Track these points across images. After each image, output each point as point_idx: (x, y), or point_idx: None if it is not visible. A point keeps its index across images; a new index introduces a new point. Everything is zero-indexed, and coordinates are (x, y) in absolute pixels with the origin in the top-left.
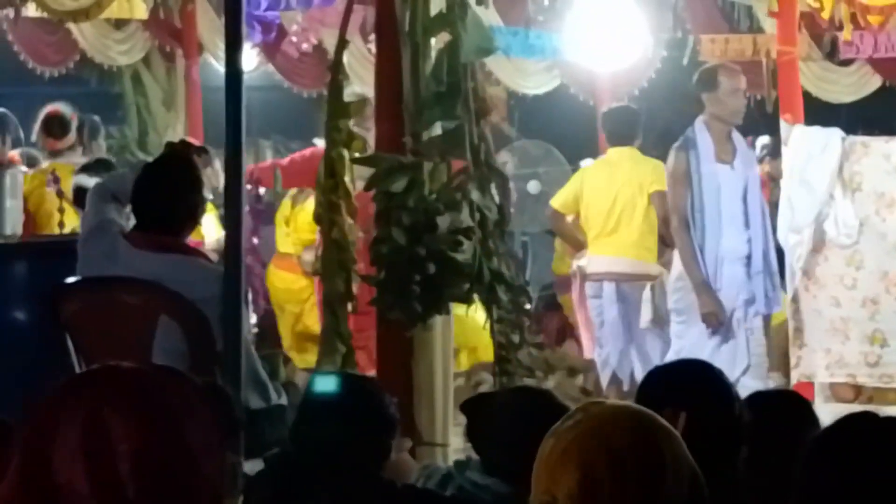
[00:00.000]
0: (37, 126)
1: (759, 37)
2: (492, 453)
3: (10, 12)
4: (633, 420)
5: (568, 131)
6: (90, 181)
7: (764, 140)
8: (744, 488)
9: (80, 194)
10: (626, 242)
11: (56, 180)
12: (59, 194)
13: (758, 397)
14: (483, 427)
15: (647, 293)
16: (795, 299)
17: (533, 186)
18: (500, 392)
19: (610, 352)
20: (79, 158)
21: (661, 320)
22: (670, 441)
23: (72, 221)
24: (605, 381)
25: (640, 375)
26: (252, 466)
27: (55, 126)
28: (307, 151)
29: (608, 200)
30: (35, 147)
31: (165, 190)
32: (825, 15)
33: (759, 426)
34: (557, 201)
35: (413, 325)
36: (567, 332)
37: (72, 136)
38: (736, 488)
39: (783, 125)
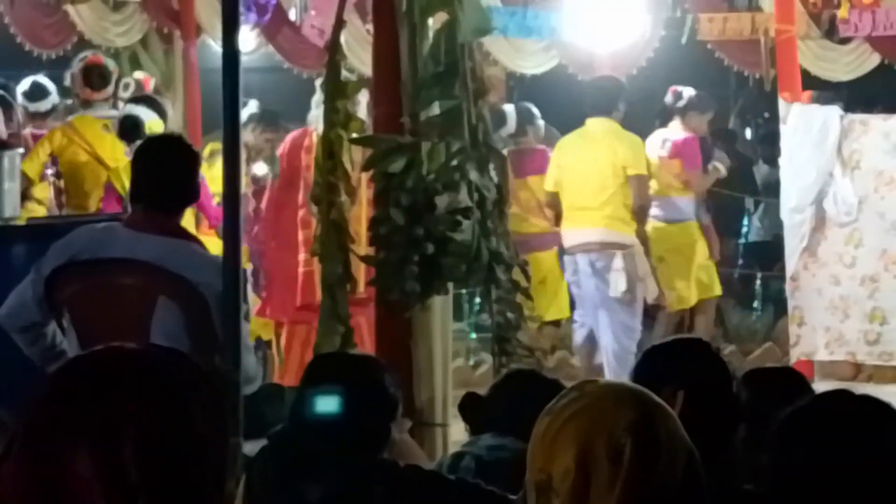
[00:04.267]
0: (74, 73)
1: (757, 15)
2: (498, 423)
3: None
4: (629, 398)
5: (566, 111)
6: (139, 109)
7: (689, 91)
8: (741, 466)
9: (128, 124)
10: (598, 215)
11: (54, 162)
12: (57, 175)
13: (755, 375)
14: (485, 414)
15: (618, 262)
16: (795, 278)
17: None
18: (492, 386)
19: (587, 320)
20: (107, 111)
21: (633, 292)
22: (666, 419)
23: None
24: (582, 355)
25: (613, 348)
26: (252, 448)
27: (95, 76)
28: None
29: (582, 176)
30: (69, 96)
31: (162, 170)
32: None
33: (757, 404)
34: (549, 182)
35: (412, 305)
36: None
37: (111, 89)
38: (733, 466)
39: (782, 103)
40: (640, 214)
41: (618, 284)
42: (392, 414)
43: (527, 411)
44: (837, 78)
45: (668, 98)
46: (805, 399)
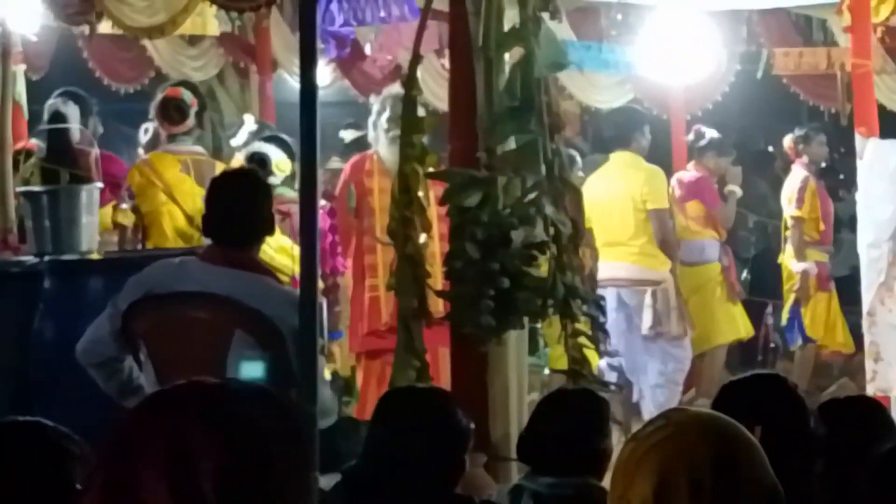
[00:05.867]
0: (154, 106)
1: (833, 50)
2: (550, 457)
3: (86, 29)
4: (714, 430)
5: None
6: (267, 147)
7: (712, 133)
8: (819, 502)
9: (255, 161)
10: (628, 250)
11: (131, 196)
12: (135, 210)
13: (832, 405)
14: (534, 440)
15: (647, 298)
16: (872, 313)
17: None
18: (540, 405)
19: (620, 360)
20: (189, 146)
21: (662, 327)
22: (752, 456)
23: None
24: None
25: (656, 381)
26: (327, 482)
27: (171, 109)
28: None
29: (605, 212)
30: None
31: (234, 204)
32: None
33: (835, 439)
34: None
35: (487, 340)
36: None
37: (190, 122)
38: (811, 502)
39: (858, 138)
40: (664, 249)
41: (645, 321)
42: (464, 447)
43: (564, 431)
44: None
45: (690, 136)
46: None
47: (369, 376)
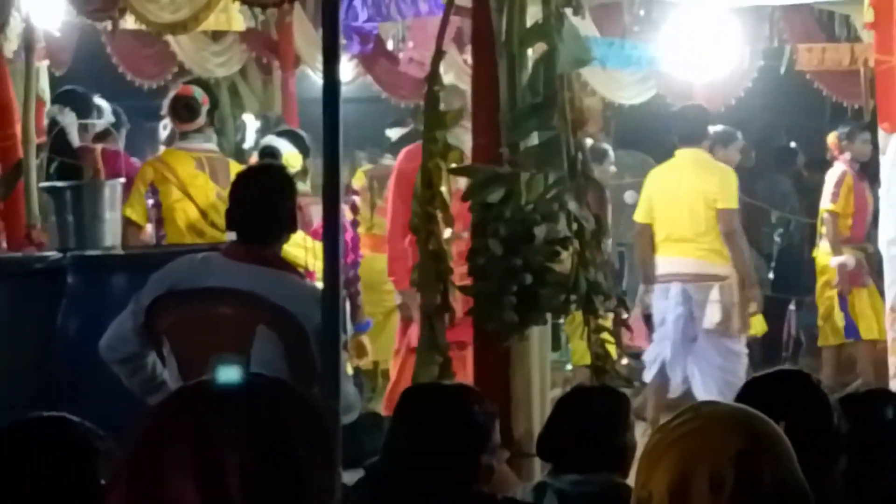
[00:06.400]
0: (165, 104)
1: (856, 46)
2: (572, 455)
3: (109, 25)
4: (741, 427)
5: (664, 141)
6: (278, 141)
7: (716, 128)
8: (843, 499)
9: (265, 154)
10: (695, 246)
11: (154, 192)
12: (157, 206)
13: (852, 399)
14: (553, 439)
15: (714, 294)
16: (894, 309)
17: (629, 196)
18: (559, 403)
19: (662, 352)
20: (201, 144)
21: (727, 323)
22: (778, 452)
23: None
24: (649, 379)
25: (696, 380)
26: (350, 477)
27: (181, 107)
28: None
29: (673, 207)
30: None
31: (258, 199)
32: None
33: (856, 431)
34: (639, 214)
35: (510, 335)
36: None
37: (201, 120)
38: (836, 499)
39: (881, 134)
40: (728, 242)
41: (712, 316)
42: (480, 445)
43: (584, 429)
44: None
45: None
46: None
47: (404, 369)
